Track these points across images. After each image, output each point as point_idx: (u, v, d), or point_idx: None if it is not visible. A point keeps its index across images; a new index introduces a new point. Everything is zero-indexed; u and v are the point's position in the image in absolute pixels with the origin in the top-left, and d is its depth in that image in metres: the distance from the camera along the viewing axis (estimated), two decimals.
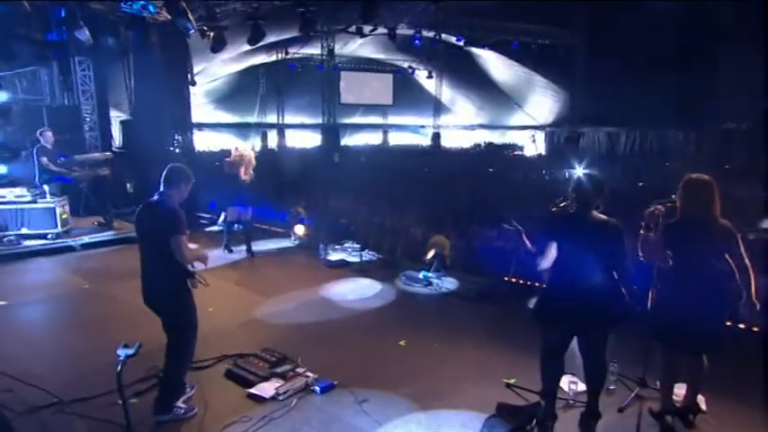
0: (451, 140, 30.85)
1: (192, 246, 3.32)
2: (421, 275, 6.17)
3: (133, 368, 3.25)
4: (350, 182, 11.32)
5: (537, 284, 5.34)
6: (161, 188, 3.24)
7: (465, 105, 28.72)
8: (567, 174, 11.24)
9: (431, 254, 6.45)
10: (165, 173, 3.27)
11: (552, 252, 2.99)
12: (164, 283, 3.19)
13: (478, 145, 27.94)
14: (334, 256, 7.21)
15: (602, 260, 2.84)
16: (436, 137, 29.48)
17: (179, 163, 3.50)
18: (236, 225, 7.53)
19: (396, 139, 34.52)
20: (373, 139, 34.27)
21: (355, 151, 25.91)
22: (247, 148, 8.26)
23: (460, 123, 30.79)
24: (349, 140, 32.60)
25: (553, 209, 3.13)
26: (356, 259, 6.99)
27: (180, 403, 3.36)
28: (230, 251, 7.44)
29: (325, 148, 21.39)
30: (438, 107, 29.17)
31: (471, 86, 25.66)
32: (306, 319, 5.05)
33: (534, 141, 25.12)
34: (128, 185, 11.60)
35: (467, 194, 9.20)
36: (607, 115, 18.08)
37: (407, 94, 28.06)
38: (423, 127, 33.04)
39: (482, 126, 29.70)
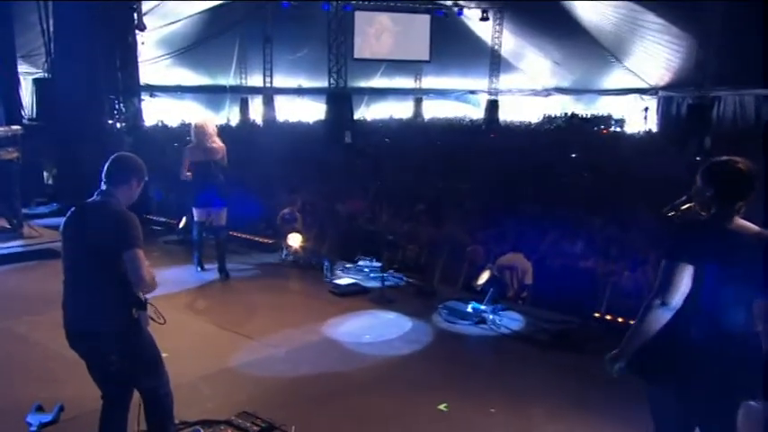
0: (515, 112, 30.69)
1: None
2: (470, 308, 6.12)
3: None
4: (367, 172, 11.38)
5: None
6: (102, 186, 3.30)
7: (536, 61, 28.54)
8: (693, 160, 11.04)
9: (484, 277, 6.41)
10: (107, 166, 3.31)
11: (682, 282, 2.75)
12: (104, 318, 3.20)
13: (554, 118, 27.75)
14: (344, 278, 7.25)
15: (760, 291, 2.71)
16: (492, 107, 29.38)
17: (125, 151, 3.56)
18: (200, 233, 7.57)
19: (433, 109, 34.58)
20: (401, 110, 34.38)
21: (375, 127, 26.05)
22: (208, 118, 8.21)
23: (528, 87, 30.63)
24: (366, 112, 32.81)
25: (672, 213, 3.03)
26: (375, 284, 7.03)
27: None
28: (202, 269, 7.54)
29: (332, 124, 21.59)
30: (496, 64, 29.03)
31: (546, 32, 25.42)
32: (303, 369, 5.06)
33: (646, 112, 24.51)
34: (45, 174, 11.97)
35: (537, 193, 9.13)
36: (751, 74, 17.58)
37: (451, 46, 28.09)
38: (473, 93, 33.07)
39: (561, 90, 29.48)
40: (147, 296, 3.30)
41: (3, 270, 7.65)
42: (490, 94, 29.62)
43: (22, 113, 11.48)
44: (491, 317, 6.00)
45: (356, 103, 26.95)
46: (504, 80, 29.59)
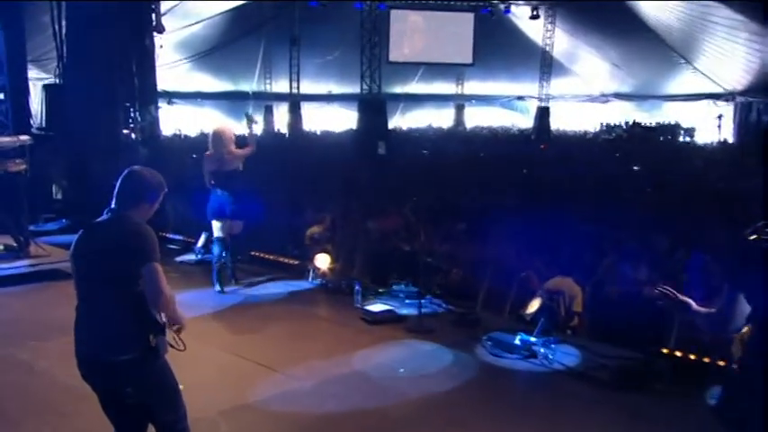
0: (567, 119, 30.51)
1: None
2: (518, 340, 6.04)
3: None
4: (402, 186, 11.39)
5: (723, 363, 5.05)
6: (113, 205, 3.37)
7: (592, 63, 28.34)
8: None
9: (534, 305, 6.33)
10: (118, 184, 3.41)
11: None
12: (120, 345, 3.23)
13: (613, 127, 27.44)
14: (377, 304, 7.25)
15: None
16: (543, 114, 29.20)
17: (141, 164, 3.63)
18: (221, 250, 7.77)
19: (476, 117, 34.58)
20: (441, 117, 34.49)
21: (411, 138, 26.14)
22: (225, 125, 8.56)
23: (584, 92, 30.44)
24: (401, 121, 32.96)
25: (754, 237, 2.96)
26: (412, 311, 7.02)
27: None
28: (222, 291, 7.79)
29: (365, 133, 21.75)
30: (547, 66, 28.89)
31: (604, 31, 25.19)
32: (330, 405, 5.06)
33: (720, 120, 23.88)
34: (54, 188, 12.29)
35: (594, 210, 9.01)
36: None
37: (497, 47, 28.12)
38: (521, 99, 32.99)
39: (621, 96, 29.18)
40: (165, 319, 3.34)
41: (7, 292, 7.83)
42: (540, 100, 29.49)
43: (31, 122, 11.80)
44: (542, 350, 5.91)
45: (391, 111, 27.09)
46: (557, 85, 29.43)
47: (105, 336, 3.26)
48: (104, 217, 3.37)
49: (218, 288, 7.75)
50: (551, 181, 11.99)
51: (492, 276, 7.42)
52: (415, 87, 31.71)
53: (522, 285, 7.13)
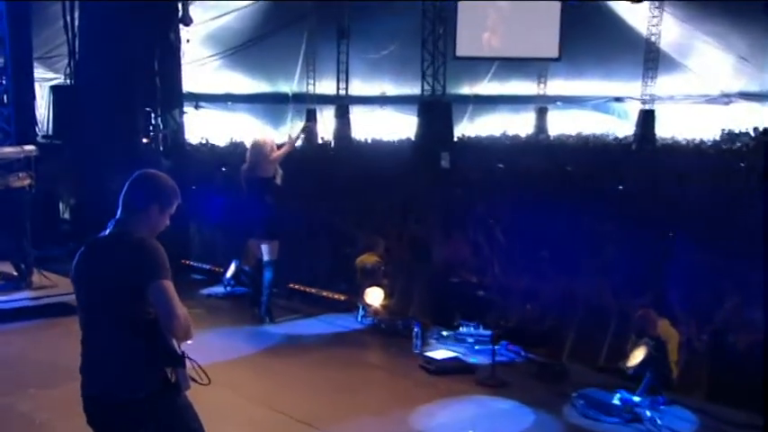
0: (677, 125, 29.90)
1: None
2: (617, 400, 5.91)
3: None
4: (471, 207, 11.34)
5: None
6: (118, 214, 3.44)
7: (711, 56, 27.77)
8: None
9: (638, 356, 6.18)
10: (126, 188, 3.45)
11: None
12: (132, 382, 3.28)
13: (738, 134, 26.73)
14: (441, 350, 7.21)
15: None
16: (646, 118, 28.76)
17: (153, 169, 3.70)
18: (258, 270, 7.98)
19: (562, 123, 34.23)
20: (518, 123, 34.27)
21: (482, 147, 25.99)
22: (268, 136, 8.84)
23: (699, 92, 29.85)
24: (470, 127, 32.90)
25: None
26: (483, 359, 6.97)
27: None
28: (271, 319, 8.07)
29: (426, 142, 21.79)
30: (653, 60, 28.55)
31: (726, 16, 24.63)
32: None
33: None
34: (61, 206, 12.64)
35: (713, 239, 8.79)
36: None
37: (590, 38, 27.93)
38: (619, 100, 32.61)
39: (748, 96, 28.48)
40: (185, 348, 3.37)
41: (6, 329, 8.01)
42: (644, 101, 29.06)
43: (37, 130, 12.11)
44: (649, 413, 5.77)
45: (457, 116, 27.12)
46: (664, 83, 28.96)
47: (114, 371, 3.30)
48: (108, 231, 3.44)
49: (264, 316, 8.02)
50: (657, 201, 11.74)
51: (582, 318, 7.29)
52: (487, 87, 31.71)
53: (637, 327, 6.99)
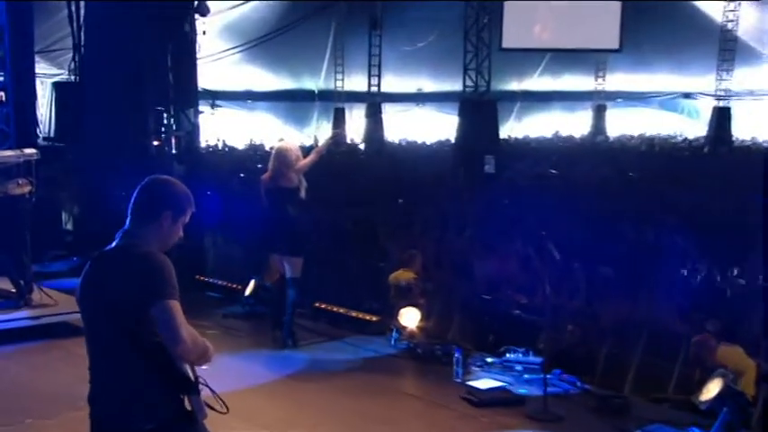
0: (756, 125, 29.43)
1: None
2: None
3: None
4: (518, 218, 11.27)
5: None
6: (127, 224, 3.47)
7: None
8: None
9: (713, 389, 6.06)
10: (135, 195, 3.47)
11: None
12: (144, 407, 3.31)
13: None
14: (485, 379, 7.18)
15: None
16: (721, 117, 28.35)
17: (164, 174, 3.72)
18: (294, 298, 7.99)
19: (623, 122, 33.97)
20: (572, 122, 34.09)
21: (531, 150, 25.84)
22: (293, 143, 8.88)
23: None
24: (517, 128, 32.78)
25: None
26: (533, 389, 6.92)
27: None
28: (294, 343, 8.06)
29: (468, 144, 21.75)
30: (729, 51, 28.20)
31: None
32: None
33: None
34: (64, 216, 12.74)
35: None
36: None
37: (655, 26, 27.74)
38: (688, 96, 32.29)
39: None
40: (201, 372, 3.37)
41: (3, 353, 8.04)
42: (718, 98, 28.70)
43: (38, 131, 12.24)
44: None
45: (503, 115, 27.03)
46: (742, 76, 28.60)
47: (124, 399, 3.33)
48: (115, 243, 3.46)
49: (288, 339, 8.02)
50: (737, 211, 11.56)
51: (647, 344, 7.20)
52: (538, 83, 31.57)
53: (694, 354, 6.89)
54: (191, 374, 3.33)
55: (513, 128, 31.39)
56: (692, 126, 31.45)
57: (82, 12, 11.53)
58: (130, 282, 3.27)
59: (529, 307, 8.30)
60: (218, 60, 24.58)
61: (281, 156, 7.96)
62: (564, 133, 32.27)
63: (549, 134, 31.99)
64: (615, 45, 28.28)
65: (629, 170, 18.34)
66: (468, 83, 22.69)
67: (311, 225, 8.36)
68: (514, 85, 30.66)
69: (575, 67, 31.17)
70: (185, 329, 3.20)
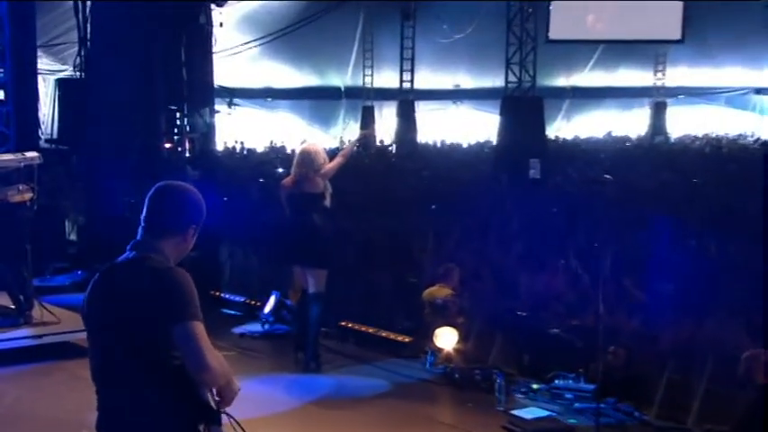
0: None
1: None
2: None
3: None
4: (569, 228, 11.22)
5: None
6: (140, 236, 3.49)
7: None
8: None
9: None
10: (148, 203, 3.48)
11: None
12: None
13: None
14: (530, 407, 7.16)
15: None
16: None
17: (178, 181, 3.73)
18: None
19: (685, 121, 33.60)
20: (628, 122, 33.77)
21: (581, 153, 25.63)
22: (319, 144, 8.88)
23: None
24: (566, 127, 32.54)
25: None
26: (585, 420, 6.92)
27: None
28: (317, 365, 8.08)
29: (511, 147, 21.66)
30: None
31: None
32: None
33: None
34: (67, 225, 12.82)
35: None
36: None
37: (722, 14, 27.47)
38: (761, 92, 31.89)
39: None
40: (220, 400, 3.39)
41: (1, 375, 8.08)
42: None
43: (40, 132, 12.34)
44: None
45: (550, 113, 26.96)
46: None
47: (136, 429, 3.35)
48: (125, 256, 3.48)
49: (315, 362, 8.05)
50: None
51: (714, 370, 7.13)
52: (589, 78, 31.45)
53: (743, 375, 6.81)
54: (211, 402, 3.35)
55: (561, 128, 31.27)
56: (764, 125, 31.12)
57: (88, 2, 11.62)
58: (148, 300, 3.28)
59: (580, 328, 8.25)
60: (235, 55, 24.69)
61: (307, 158, 7.97)
62: (618, 133, 32.04)
63: (601, 134, 31.78)
64: (677, 35, 28.02)
65: (693, 175, 18.15)
66: (511, 78, 22.61)
67: (337, 234, 8.34)
68: (563, 81, 30.55)
69: (631, 60, 30.97)
70: (211, 355, 3.22)
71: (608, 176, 18.70)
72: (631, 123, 33.31)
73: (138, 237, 3.45)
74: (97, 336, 3.45)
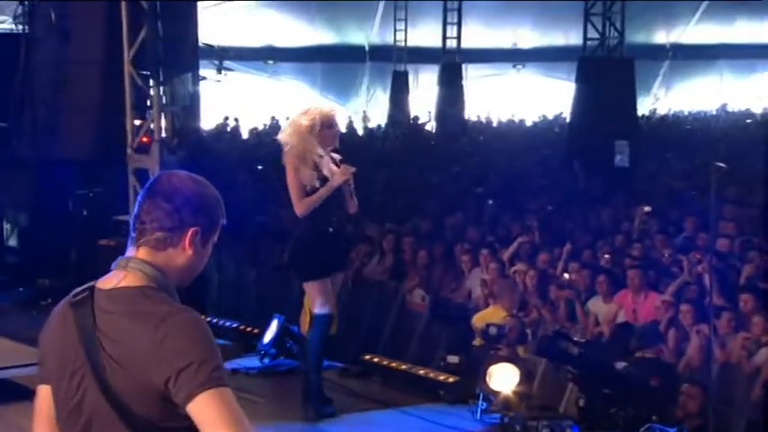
0: None
1: None
2: None
3: None
4: (665, 235, 11.21)
5: None
6: (129, 250, 3.25)
7: None
8: None
9: None
10: (140, 200, 3.30)
11: None
12: None
13: None
14: None
15: None
16: None
17: (175, 169, 3.74)
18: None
19: None
20: (747, 91, 33.22)
21: (686, 133, 25.35)
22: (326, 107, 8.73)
23: None
24: (664, 99, 32.12)
25: None
26: None
27: None
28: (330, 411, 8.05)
29: (589, 124, 21.63)
30: None
31: None
32: None
33: None
34: (5, 227, 12.93)
35: None
36: None
37: None
38: None
39: None
40: None
41: None
42: None
43: None
44: None
45: (644, 80, 26.78)
46: None
47: None
48: (108, 276, 3.35)
49: (329, 408, 8.00)
50: None
51: None
52: (695, 33, 31.34)
53: None
54: None
55: (658, 99, 31.18)
56: None
57: None
58: (151, 354, 3.06)
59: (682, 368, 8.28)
60: (227, 2, 24.79)
61: (327, 120, 7.71)
62: (735, 107, 31.89)
63: (713, 108, 31.64)
64: None
65: None
66: (592, 34, 22.55)
67: (356, 241, 8.37)
68: (661, 38, 30.49)
69: (752, 9, 30.80)
70: (244, 428, 3.02)
71: (721, 164, 18.71)
72: (753, 93, 33.14)
73: (127, 251, 3.25)
74: (65, 384, 3.25)
